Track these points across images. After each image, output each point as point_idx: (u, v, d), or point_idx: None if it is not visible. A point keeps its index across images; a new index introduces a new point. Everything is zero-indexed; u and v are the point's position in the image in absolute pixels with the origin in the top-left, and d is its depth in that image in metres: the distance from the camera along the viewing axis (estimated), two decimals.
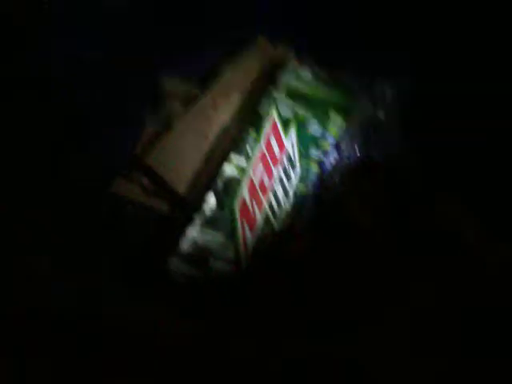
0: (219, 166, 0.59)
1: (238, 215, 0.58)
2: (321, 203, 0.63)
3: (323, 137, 0.62)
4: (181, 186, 0.63)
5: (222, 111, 0.66)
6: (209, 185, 0.59)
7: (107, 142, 0.66)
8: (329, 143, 0.62)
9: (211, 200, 0.57)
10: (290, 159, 0.60)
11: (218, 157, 0.62)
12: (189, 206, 0.60)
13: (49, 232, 0.58)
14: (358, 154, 0.62)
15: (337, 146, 0.63)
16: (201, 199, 0.58)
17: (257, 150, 0.58)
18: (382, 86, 0.64)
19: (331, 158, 0.63)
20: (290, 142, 0.61)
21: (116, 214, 0.65)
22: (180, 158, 0.63)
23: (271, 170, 0.59)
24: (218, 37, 0.68)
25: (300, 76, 0.62)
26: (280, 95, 0.60)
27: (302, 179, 0.61)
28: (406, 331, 0.54)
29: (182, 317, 0.57)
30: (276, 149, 0.60)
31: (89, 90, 0.64)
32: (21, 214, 0.57)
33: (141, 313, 0.56)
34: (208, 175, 0.61)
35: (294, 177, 0.61)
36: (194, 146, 0.64)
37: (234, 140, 0.60)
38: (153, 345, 0.52)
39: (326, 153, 0.62)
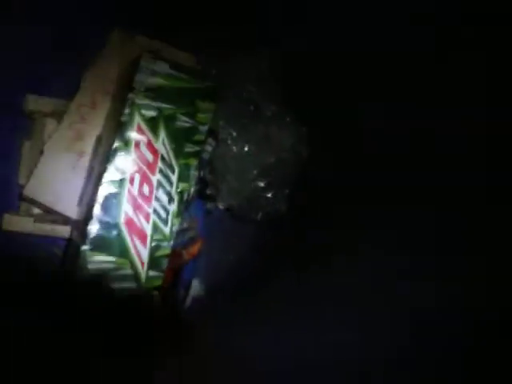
0: (95, 185, 0.57)
1: (125, 232, 0.56)
2: (208, 197, 0.61)
3: (195, 128, 0.60)
4: (68, 209, 0.61)
5: (92, 123, 0.63)
6: (88, 207, 0.57)
7: None
8: (202, 133, 0.60)
9: (94, 222, 0.55)
10: (164, 160, 0.58)
11: (95, 173, 0.60)
12: (77, 230, 0.59)
13: None
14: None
15: (211, 133, 0.60)
16: (83, 223, 0.56)
17: (129, 160, 0.56)
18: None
19: (208, 147, 0.60)
20: (162, 143, 0.58)
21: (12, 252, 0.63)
22: (59, 182, 0.61)
23: (149, 178, 0.58)
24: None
25: (157, 71, 0.58)
26: (139, 97, 0.57)
27: (183, 177, 0.59)
28: None
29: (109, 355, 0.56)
30: (148, 154, 0.58)
31: None
32: None
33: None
34: (88, 195, 0.59)
35: (174, 177, 0.59)
36: (70, 165, 0.62)
37: (105, 156, 0.57)
38: None
39: (200, 143, 0.60)
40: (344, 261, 0.55)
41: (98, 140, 0.63)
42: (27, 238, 0.66)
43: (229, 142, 0.60)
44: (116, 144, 0.57)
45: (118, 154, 0.57)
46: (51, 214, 0.64)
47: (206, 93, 0.61)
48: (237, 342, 0.55)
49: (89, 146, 0.63)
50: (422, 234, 0.47)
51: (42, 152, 0.63)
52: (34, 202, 0.62)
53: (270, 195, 0.62)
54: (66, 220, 0.64)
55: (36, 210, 0.65)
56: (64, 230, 0.66)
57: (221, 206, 0.63)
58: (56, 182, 0.61)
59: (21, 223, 0.64)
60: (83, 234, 0.57)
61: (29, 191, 0.61)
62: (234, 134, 0.60)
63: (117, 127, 0.58)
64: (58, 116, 0.66)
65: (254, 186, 0.61)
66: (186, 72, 0.61)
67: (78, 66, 0.66)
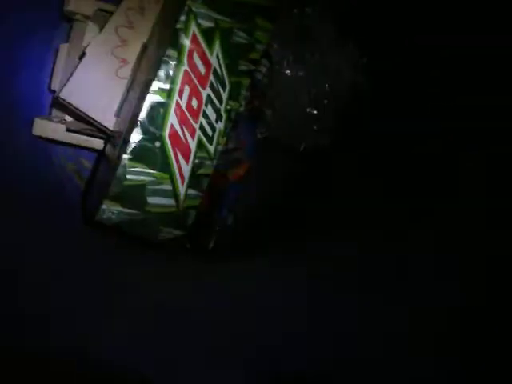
0: (142, 92, 0.53)
1: (169, 145, 0.53)
2: (257, 119, 0.58)
3: (251, 45, 0.56)
4: (105, 118, 0.57)
5: (138, 29, 0.59)
6: (133, 115, 0.53)
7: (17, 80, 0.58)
8: (258, 52, 0.57)
9: (138, 131, 0.51)
10: (216, 75, 0.55)
11: (140, 83, 0.56)
12: (116, 141, 0.55)
13: None
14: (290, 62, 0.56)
15: (266, 54, 0.57)
16: (126, 132, 0.53)
17: (180, 71, 0.53)
18: None
19: (262, 68, 0.57)
20: (216, 57, 0.55)
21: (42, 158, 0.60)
22: (99, 88, 0.58)
23: (199, 91, 0.54)
24: None
25: None
26: (198, 5, 0.54)
27: (233, 95, 0.56)
28: None
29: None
30: (201, 67, 0.54)
31: None
32: None
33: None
34: (131, 105, 0.56)
35: (224, 93, 0.55)
36: (112, 72, 0.58)
37: (154, 64, 0.53)
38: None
39: (255, 62, 0.56)
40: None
41: (144, 48, 0.59)
42: (56, 146, 0.62)
43: (282, 65, 0.57)
44: (168, 51, 0.53)
45: (170, 62, 0.53)
46: (84, 124, 0.61)
47: (266, 11, 0.58)
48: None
49: (133, 53, 0.59)
50: None
51: (82, 55, 0.59)
52: (68, 108, 0.58)
53: (316, 127, 0.58)
54: (99, 131, 0.60)
55: (68, 119, 0.61)
56: (97, 142, 0.62)
57: (263, 132, 0.60)
58: (95, 87, 0.58)
59: (52, 129, 0.61)
60: (123, 143, 0.53)
61: (65, 94, 0.57)
62: (289, 58, 0.57)
63: (169, 34, 0.54)
64: (99, 20, 0.62)
65: (302, 114, 0.58)
66: None
67: None
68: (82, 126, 0.60)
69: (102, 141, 0.62)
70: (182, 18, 0.54)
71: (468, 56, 0.50)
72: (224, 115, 0.57)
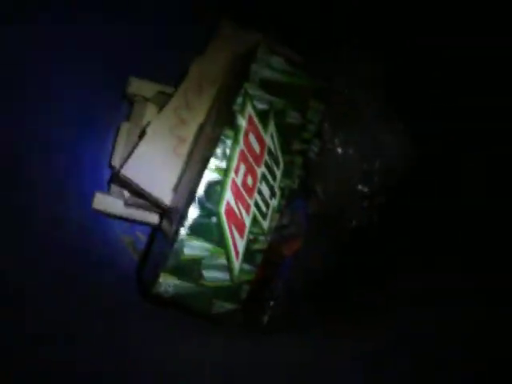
0: (199, 170, 0.56)
1: (225, 220, 0.55)
2: (309, 195, 0.60)
3: (303, 125, 0.59)
4: (162, 194, 0.60)
5: (196, 110, 0.62)
6: (190, 192, 0.55)
7: (79, 156, 0.62)
8: (310, 132, 0.59)
9: (195, 207, 0.53)
10: (271, 154, 0.57)
11: (197, 160, 0.59)
12: (173, 216, 0.58)
13: None
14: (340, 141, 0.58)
15: (318, 133, 0.59)
16: (184, 208, 0.55)
17: (236, 150, 0.56)
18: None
19: (314, 147, 0.59)
20: (270, 136, 0.57)
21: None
22: (158, 165, 0.60)
23: (254, 169, 0.56)
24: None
25: (273, 65, 0.58)
26: (254, 88, 0.57)
27: (287, 173, 0.58)
28: None
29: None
30: (256, 146, 0.57)
31: None
32: None
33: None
34: (189, 181, 0.58)
35: (278, 171, 0.58)
36: (170, 150, 0.61)
37: (211, 143, 0.56)
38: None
39: (308, 141, 0.59)
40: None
41: (201, 127, 0.62)
42: (113, 219, 0.64)
43: (334, 144, 0.59)
44: (225, 131, 0.56)
45: (227, 141, 0.56)
46: (142, 199, 0.63)
47: (317, 92, 0.61)
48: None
49: (191, 132, 0.62)
50: None
51: (142, 134, 0.62)
52: (127, 184, 0.61)
53: (367, 204, 0.60)
54: (156, 206, 0.63)
55: (126, 194, 0.64)
56: (152, 217, 0.65)
57: (315, 208, 0.61)
58: (154, 164, 0.61)
59: (110, 203, 0.63)
60: (181, 218, 0.55)
61: (126, 171, 0.60)
62: (340, 136, 0.59)
63: (226, 115, 0.57)
64: (158, 101, 0.65)
65: (353, 191, 0.59)
66: (300, 69, 0.60)
67: (183, 54, 0.65)
68: (139, 201, 0.63)
69: (157, 215, 0.64)
70: (239, 100, 0.57)
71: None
72: (278, 192, 0.59)
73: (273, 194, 0.59)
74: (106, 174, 0.67)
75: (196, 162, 0.59)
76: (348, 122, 0.60)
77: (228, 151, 0.56)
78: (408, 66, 0.59)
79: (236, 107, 0.57)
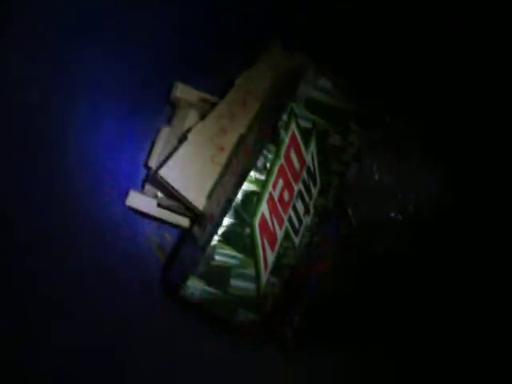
0: (239, 180, 0.57)
1: (258, 232, 0.56)
2: (342, 217, 0.61)
3: (344, 148, 0.60)
4: (197, 199, 0.61)
5: (238, 121, 0.64)
6: (227, 200, 0.57)
7: (117, 152, 0.63)
8: (349, 154, 0.60)
9: (230, 216, 0.54)
10: (309, 172, 0.59)
11: (235, 170, 0.60)
12: (206, 222, 0.59)
13: None
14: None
15: (357, 157, 0.61)
16: (219, 215, 0.56)
17: (276, 164, 0.57)
18: None
19: (352, 169, 0.61)
20: (310, 154, 0.59)
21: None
22: (195, 171, 0.62)
23: (291, 185, 0.58)
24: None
25: (319, 86, 0.59)
26: (299, 107, 0.58)
27: (323, 193, 0.59)
28: None
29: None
30: (296, 162, 0.58)
31: None
32: None
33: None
34: (225, 190, 0.59)
35: (314, 190, 0.59)
36: (209, 157, 0.62)
37: (252, 155, 0.57)
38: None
39: (346, 164, 0.60)
40: None
41: (241, 138, 0.63)
42: (143, 218, 0.65)
43: (372, 169, 0.60)
44: (268, 145, 0.57)
45: (268, 155, 0.57)
46: (175, 201, 0.64)
47: (360, 117, 0.62)
48: None
49: (231, 142, 0.64)
50: None
51: (182, 139, 0.63)
52: (163, 185, 0.62)
53: (397, 232, 0.61)
54: (187, 210, 0.64)
55: (160, 195, 0.65)
56: (183, 220, 0.66)
57: (346, 230, 0.62)
58: (192, 170, 0.62)
59: (144, 202, 0.64)
60: (215, 225, 0.56)
61: (164, 172, 0.61)
62: (378, 163, 0.60)
63: (269, 129, 0.59)
64: (201, 108, 0.67)
65: (386, 218, 0.60)
66: (344, 92, 0.61)
67: (229, 67, 0.66)
68: (171, 203, 0.64)
69: (187, 219, 0.65)
70: (284, 116, 0.59)
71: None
72: (312, 210, 0.60)
73: (307, 212, 0.60)
74: (142, 174, 0.68)
75: (234, 172, 0.60)
76: (389, 152, 0.62)
77: (268, 165, 0.58)
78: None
79: (280, 123, 0.59)
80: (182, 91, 0.66)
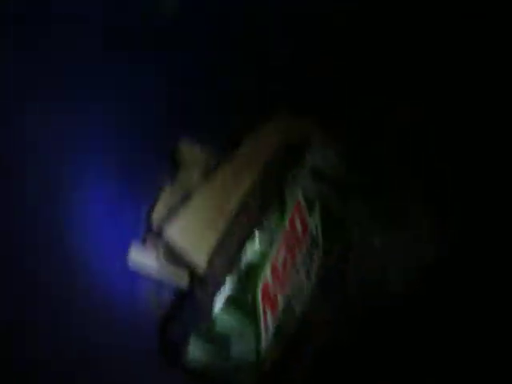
0: (239, 248, 0.58)
1: (260, 300, 0.57)
2: (346, 285, 0.62)
3: (346, 216, 0.62)
4: (199, 261, 0.61)
5: (243, 187, 0.64)
6: (230, 266, 0.57)
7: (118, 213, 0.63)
8: (351, 221, 0.62)
9: (233, 282, 0.55)
10: (312, 239, 0.60)
11: (237, 237, 0.60)
12: (209, 285, 0.59)
13: None
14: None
15: (359, 224, 0.62)
16: (221, 279, 0.57)
17: (280, 233, 0.58)
18: None
19: (353, 236, 0.62)
20: (314, 221, 0.60)
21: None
22: (198, 233, 0.62)
23: (294, 253, 0.58)
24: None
25: (326, 156, 0.61)
26: (306, 176, 0.59)
27: (325, 258, 0.60)
28: None
29: None
30: (300, 229, 0.59)
31: None
32: None
33: None
34: (228, 253, 0.60)
35: (316, 256, 0.60)
36: (211, 221, 0.63)
37: (255, 218, 0.58)
38: None
39: (349, 232, 0.61)
40: None
41: (245, 203, 0.64)
42: (142, 276, 0.65)
43: (370, 235, 0.62)
44: (273, 212, 0.58)
45: (273, 222, 0.58)
46: (176, 261, 0.65)
47: (362, 190, 0.64)
48: None
49: (234, 204, 0.64)
50: None
51: (186, 197, 0.64)
52: (165, 243, 0.63)
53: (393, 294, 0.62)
54: (188, 271, 0.64)
55: (161, 252, 0.65)
56: (184, 280, 0.66)
57: (343, 295, 0.64)
58: (196, 230, 0.62)
59: (144, 259, 0.64)
60: (218, 289, 0.57)
61: (168, 231, 0.61)
62: (379, 232, 0.62)
63: (274, 195, 0.60)
64: (206, 167, 0.68)
65: (382, 281, 0.62)
66: (348, 162, 0.63)
67: (231, 126, 0.68)
68: (173, 261, 0.64)
69: (187, 280, 0.65)
70: (290, 183, 0.60)
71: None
72: (314, 276, 0.61)
73: (308, 278, 0.60)
74: (143, 230, 0.68)
75: (237, 237, 0.61)
76: (391, 224, 0.63)
77: (272, 231, 0.59)
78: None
79: (286, 193, 0.60)
80: (186, 148, 0.67)
